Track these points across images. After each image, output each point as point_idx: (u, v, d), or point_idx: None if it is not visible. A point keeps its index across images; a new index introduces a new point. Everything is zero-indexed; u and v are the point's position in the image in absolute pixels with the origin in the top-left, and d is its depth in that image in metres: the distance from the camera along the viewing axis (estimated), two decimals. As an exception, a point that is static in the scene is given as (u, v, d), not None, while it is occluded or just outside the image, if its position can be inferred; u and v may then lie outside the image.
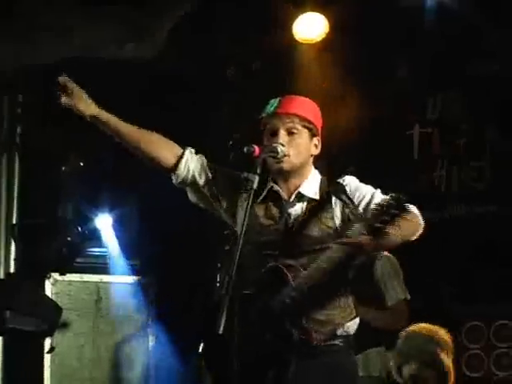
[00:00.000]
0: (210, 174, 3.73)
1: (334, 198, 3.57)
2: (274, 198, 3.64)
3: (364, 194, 3.57)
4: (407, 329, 4.29)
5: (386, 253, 4.93)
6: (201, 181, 3.73)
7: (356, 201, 3.55)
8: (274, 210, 3.62)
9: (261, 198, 3.62)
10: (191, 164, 3.72)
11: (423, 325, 4.27)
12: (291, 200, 3.61)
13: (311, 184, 3.65)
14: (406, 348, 4.20)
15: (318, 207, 3.57)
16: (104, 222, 6.46)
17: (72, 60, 5.57)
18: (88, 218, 6.40)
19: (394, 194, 3.29)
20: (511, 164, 5.90)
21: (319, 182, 3.66)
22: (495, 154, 6.05)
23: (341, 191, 3.58)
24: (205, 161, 3.77)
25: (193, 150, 3.76)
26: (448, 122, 6.31)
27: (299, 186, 3.63)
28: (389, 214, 3.26)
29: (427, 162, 6.39)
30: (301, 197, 3.61)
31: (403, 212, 3.28)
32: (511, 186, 5.91)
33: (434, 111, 6.38)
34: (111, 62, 5.70)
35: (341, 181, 3.63)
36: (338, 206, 3.57)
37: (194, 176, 3.72)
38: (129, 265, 6.53)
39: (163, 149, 3.74)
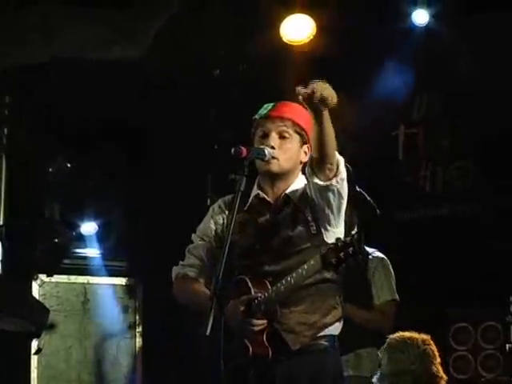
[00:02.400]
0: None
1: (299, 204, 3.59)
2: (260, 203, 3.65)
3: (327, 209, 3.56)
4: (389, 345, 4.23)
5: (379, 254, 4.97)
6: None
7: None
8: (261, 215, 3.63)
9: (247, 204, 3.63)
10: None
11: (404, 337, 4.21)
12: (278, 204, 3.63)
13: (298, 189, 3.65)
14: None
15: (300, 212, 3.59)
16: (89, 229, 6.46)
17: (58, 61, 5.57)
18: (75, 219, 6.41)
19: (355, 234, 3.30)
20: (495, 165, 5.93)
21: (300, 188, 3.67)
22: (478, 154, 6.09)
23: (306, 199, 3.60)
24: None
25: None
26: (433, 123, 6.35)
27: (286, 190, 3.64)
28: (345, 253, 3.26)
29: (412, 162, 6.43)
30: (287, 201, 3.62)
31: (359, 254, 3.28)
32: (495, 185, 5.95)
33: (418, 112, 6.41)
34: (98, 63, 5.70)
35: (309, 188, 3.64)
36: (301, 214, 3.57)
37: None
38: (116, 266, 6.53)
39: None
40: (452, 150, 6.26)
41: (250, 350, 3.41)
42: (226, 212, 3.67)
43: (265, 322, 3.42)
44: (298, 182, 3.65)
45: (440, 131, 6.33)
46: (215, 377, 3.36)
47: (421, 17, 5.91)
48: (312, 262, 3.36)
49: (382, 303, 4.90)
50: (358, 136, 6.04)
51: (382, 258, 4.97)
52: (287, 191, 3.62)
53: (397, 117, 6.47)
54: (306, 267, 3.38)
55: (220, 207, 3.71)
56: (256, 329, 3.41)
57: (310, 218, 3.55)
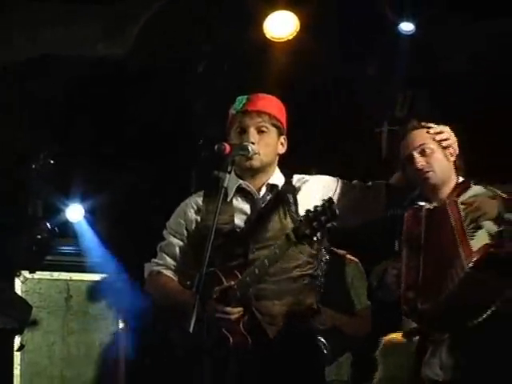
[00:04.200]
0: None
1: (284, 195, 3.60)
2: (243, 194, 3.65)
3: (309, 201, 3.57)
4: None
5: (354, 258, 4.98)
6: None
7: (300, 206, 3.57)
8: (245, 206, 3.63)
9: (231, 196, 3.64)
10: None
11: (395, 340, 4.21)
12: (261, 195, 3.63)
13: (279, 179, 3.68)
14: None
15: (285, 201, 3.60)
16: (75, 213, 6.44)
17: (43, 58, 5.56)
18: (58, 215, 6.38)
19: (325, 200, 3.30)
20: (478, 162, 5.94)
21: (282, 179, 3.69)
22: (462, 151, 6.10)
23: (290, 191, 3.61)
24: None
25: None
26: (416, 120, 6.35)
27: (267, 181, 3.65)
28: (318, 221, 3.27)
29: (396, 159, 6.42)
30: (271, 189, 3.63)
31: (333, 219, 3.28)
32: (478, 180, 5.96)
33: (402, 109, 6.42)
34: (83, 60, 5.69)
35: (294, 181, 3.66)
36: (285, 204, 3.59)
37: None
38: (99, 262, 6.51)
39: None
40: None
41: (231, 340, 3.42)
42: (196, 208, 3.67)
43: (241, 309, 3.43)
44: (277, 173, 3.67)
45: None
46: (197, 371, 3.37)
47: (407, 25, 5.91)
48: (283, 239, 3.37)
49: (363, 308, 4.92)
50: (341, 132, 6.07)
51: (357, 262, 4.99)
52: (270, 182, 3.64)
53: (381, 114, 6.48)
54: (278, 244, 3.39)
55: (192, 204, 3.71)
56: (233, 317, 3.41)
57: (293, 208, 3.56)
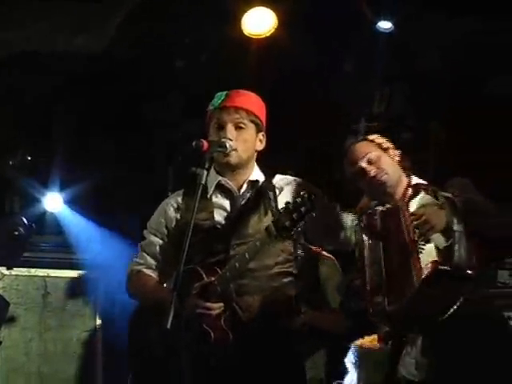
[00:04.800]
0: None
1: (265, 192, 3.61)
2: (223, 191, 3.66)
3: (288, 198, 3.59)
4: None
5: (329, 255, 5.00)
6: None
7: (280, 203, 3.57)
8: (225, 203, 3.64)
9: (210, 192, 3.64)
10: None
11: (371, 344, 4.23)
12: (242, 192, 3.64)
13: (259, 176, 3.69)
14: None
15: (266, 198, 3.61)
16: (53, 203, 6.43)
17: (20, 52, 5.54)
18: (36, 206, 6.37)
19: (304, 193, 3.32)
20: (455, 158, 5.99)
21: (262, 176, 3.70)
22: (439, 147, 6.14)
23: (270, 189, 3.62)
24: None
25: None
26: (393, 117, 6.39)
27: (247, 178, 3.66)
28: (298, 212, 3.29)
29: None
30: (252, 186, 3.64)
31: (312, 211, 3.30)
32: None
33: (379, 105, 6.45)
34: (61, 53, 5.68)
35: (276, 180, 3.67)
36: (266, 201, 3.60)
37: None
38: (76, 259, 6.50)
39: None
40: (413, 143, 6.30)
41: (212, 335, 3.42)
42: (176, 206, 3.67)
43: (221, 305, 3.43)
44: (256, 170, 3.69)
45: (401, 125, 6.38)
46: (176, 368, 3.38)
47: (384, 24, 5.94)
48: (264, 231, 3.38)
49: (337, 306, 4.92)
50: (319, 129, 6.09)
51: (333, 259, 4.99)
52: (250, 179, 3.65)
53: (358, 111, 6.50)
54: (258, 237, 3.40)
55: (172, 202, 3.71)
56: (214, 313, 3.41)
57: (274, 205, 3.57)
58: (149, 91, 6.22)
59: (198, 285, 3.44)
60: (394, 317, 3.25)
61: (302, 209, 3.27)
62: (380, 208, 3.40)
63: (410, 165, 3.64)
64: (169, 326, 3.12)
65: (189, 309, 3.39)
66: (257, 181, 3.66)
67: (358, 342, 4.27)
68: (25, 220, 6.28)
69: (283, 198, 3.58)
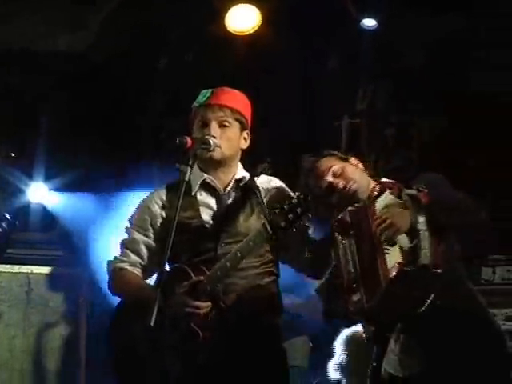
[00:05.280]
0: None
1: (251, 191, 3.61)
2: (208, 189, 3.66)
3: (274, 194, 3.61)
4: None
5: None
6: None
7: (266, 200, 3.58)
8: (210, 201, 3.64)
9: (195, 190, 3.64)
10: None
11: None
12: (228, 190, 3.65)
13: (245, 175, 3.70)
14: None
15: (253, 196, 3.61)
16: (38, 194, 6.41)
17: (5, 51, 5.53)
18: (20, 198, 6.37)
19: (299, 193, 3.32)
20: (439, 155, 6.01)
21: (247, 175, 3.70)
22: (423, 144, 6.17)
23: (256, 188, 3.62)
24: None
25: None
26: (376, 113, 6.41)
27: (233, 176, 3.66)
28: (294, 213, 3.29)
29: (355, 152, 6.45)
30: (238, 184, 3.64)
31: (308, 212, 3.30)
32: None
33: (363, 101, 6.47)
34: (46, 53, 5.67)
35: (256, 178, 3.67)
36: (253, 199, 3.60)
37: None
38: (60, 256, 6.49)
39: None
40: (395, 139, 6.32)
41: (200, 334, 3.43)
42: (161, 203, 3.67)
43: (209, 304, 3.44)
44: (241, 169, 3.70)
45: (383, 121, 6.40)
46: (160, 365, 3.38)
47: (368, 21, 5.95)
48: (258, 231, 3.38)
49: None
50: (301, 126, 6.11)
51: None
52: (236, 177, 3.65)
53: (341, 107, 6.51)
54: (252, 237, 3.40)
55: (155, 199, 3.69)
56: (202, 312, 3.42)
57: (261, 204, 3.58)
58: (133, 89, 6.21)
59: (187, 283, 3.43)
60: (373, 314, 3.26)
61: (298, 210, 3.28)
62: (349, 207, 3.39)
63: (374, 172, 3.62)
64: (152, 323, 3.12)
65: (176, 307, 3.39)
66: (242, 179, 3.66)
67: (349, 331, 4.28)
68: (8, 216, 6.27)
69: (270, 199, 3.58)
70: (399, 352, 3.31)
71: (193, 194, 3.61)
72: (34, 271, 6.44)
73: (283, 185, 3.71)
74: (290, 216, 3.29)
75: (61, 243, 6.53)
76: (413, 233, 3.16)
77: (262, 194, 3.60)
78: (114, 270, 3.68)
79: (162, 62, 6.28)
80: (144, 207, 3.69)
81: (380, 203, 3.28)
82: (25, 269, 6.42)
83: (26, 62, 5.72)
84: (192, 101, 3.73)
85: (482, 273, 5.34)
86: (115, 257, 3.70)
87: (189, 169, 3.42)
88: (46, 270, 6.47)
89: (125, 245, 3.69)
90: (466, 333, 3.22)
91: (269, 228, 3.33)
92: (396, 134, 6.29)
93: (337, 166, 3.48)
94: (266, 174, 3.74)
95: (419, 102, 6.12)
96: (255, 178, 3.66)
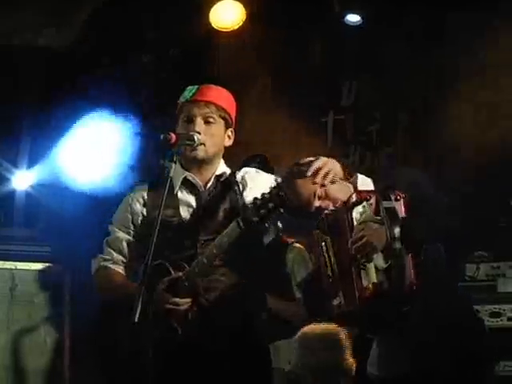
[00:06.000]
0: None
1: (230, 187, 3.62)
2: (188, 186, 3.66)
3: (252, 187, 3.60)
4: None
5: (297, 244, 4.99)
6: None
7: (245, 194, 3.58)
8: (190, 199, 3.64)
9: (176, 188, 3.64)
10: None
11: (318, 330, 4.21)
12: (207, 187, 3.64)
13: (225, 171, 3.70)
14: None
15: (233, 193, 3.61)
16: (22, 181, 6.41)
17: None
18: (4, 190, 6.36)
19: (272, 187, 3.31)
20: (422, 151, 6.03)
21: (228, 171, 3.70)
22: (407, 140, 6.18)
23: (236, 183, 3.62)
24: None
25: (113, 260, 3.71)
26: (361, 109, 6.42)
27: (214, 173, 3.66)
28: (266, 208, 3.28)
29: (341, 148, 6.47)
30: (218, 181, 3.64)
31: (281, 205, 3.29)
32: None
33: (348, 98, 6.47)
34: (28, 48, 5.65)
35: (237, 173, 3.68)
36: (232, 195, 3.61)
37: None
38: (44, 252, 6.47)
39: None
40: (381, 135, 6.34)
41: (179, 331, 3.43)
42: (142, 201, 3.66)
43: (189, 300, 3.44)
44: (222, 165, 3.70)
45: (369, 117, 6.41)
46: (143, 363, 3.37)
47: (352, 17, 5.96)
48: (232, 226, 3.38)
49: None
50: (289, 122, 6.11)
51: (300, 248, 4.98)
52: (217, 173, 3.65)
53: (326, 103, 6.52)
54: (226, 232, 3.39)
55: (137, 197, 3.69)
56: (182, 308, 3.42)
57: (240, 199, 3.58)
58: (117, 85, 6.20)
59: (166, 280, 3.43)
60: (354, 318, 3.26)
61: (270, 205, 3.26)
62: (326, 211, 3.36)
63: (350, 169, 3.56)
64: (136, 320, 3.12)
65: (157, 303, 3.39)
66: (222, 175, 3.66)
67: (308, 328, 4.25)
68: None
69: (249, 193, 3.58)
70: (382, 353, 3.31)
71: (174, 192, 3.61)
72: (19, 267, 6.42)
73: (271, 178, 3.68)
74: (262, 211, 3.28)
75: (46, 239, 6.51)
76: (388, 251, 3.13)
77: (248, 187, 3.60)
78: (98, 269, 3.69)
79: (144, 58, 6.27)
80: (126, 206, 3.70)
81: (357, 213, 3.25)
82: (9, 264, 6.40)
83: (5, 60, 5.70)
84: (176, 96, 3.73)
85: (466, 269, 5.35)
86: (99, 255, 3.70)
87: (173, 165, 3.41)
88: (30, 265, 6.45)
89: (108, 243, 3.70)
90: (450, 332, 3.23)
91: (241, 223, 3.33)
92: (381, 130, 6.30)
93: (319, 190, 3.38)
94: (257, 167, 3.74)
95: (404, 97, 6.14)
96: (236, 172, 3.66)
